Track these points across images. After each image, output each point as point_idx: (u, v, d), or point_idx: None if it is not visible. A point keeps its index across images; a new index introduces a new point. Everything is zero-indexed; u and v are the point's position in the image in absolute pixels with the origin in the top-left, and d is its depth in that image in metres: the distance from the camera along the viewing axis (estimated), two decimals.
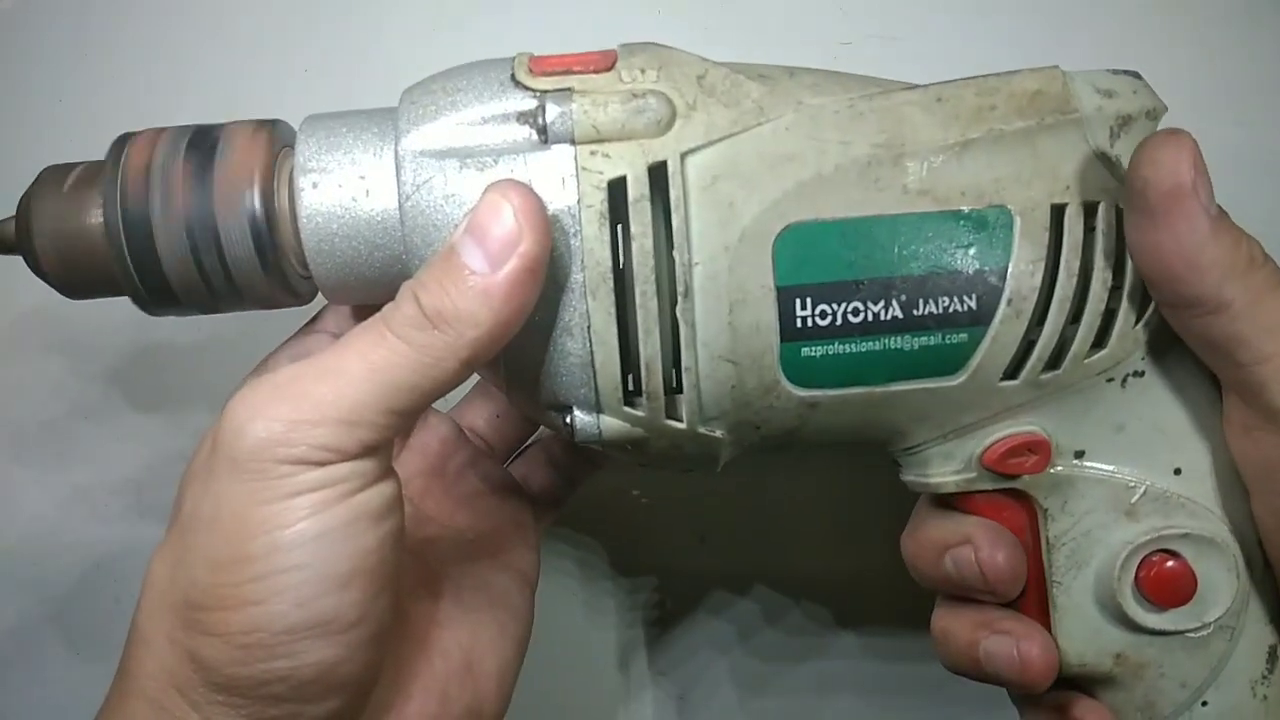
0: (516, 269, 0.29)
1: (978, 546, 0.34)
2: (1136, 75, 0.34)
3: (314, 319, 0.39)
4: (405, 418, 0.30)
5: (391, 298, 0.33)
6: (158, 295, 0.34)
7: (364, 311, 0.37)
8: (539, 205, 0.30)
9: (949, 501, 0.36)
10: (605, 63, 0.33)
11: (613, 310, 0.31)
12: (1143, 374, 0.33)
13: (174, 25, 0.52)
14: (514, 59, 0.33)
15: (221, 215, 0.33)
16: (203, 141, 0.33)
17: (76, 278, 0.34)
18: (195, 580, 0.28)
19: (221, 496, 0.28)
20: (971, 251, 0.31)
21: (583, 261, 0.31)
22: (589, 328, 0.31)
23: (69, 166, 0.34)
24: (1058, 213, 0.32)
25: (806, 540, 0.51)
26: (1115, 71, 0.34)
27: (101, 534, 0.50)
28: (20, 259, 0.34)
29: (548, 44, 0.50)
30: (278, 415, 0.28)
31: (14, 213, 0.34)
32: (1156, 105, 0.33)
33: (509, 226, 0.29)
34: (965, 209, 0.31)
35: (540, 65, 0.33)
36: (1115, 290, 0.32)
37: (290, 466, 0.28)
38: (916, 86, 0.33)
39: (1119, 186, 0.32)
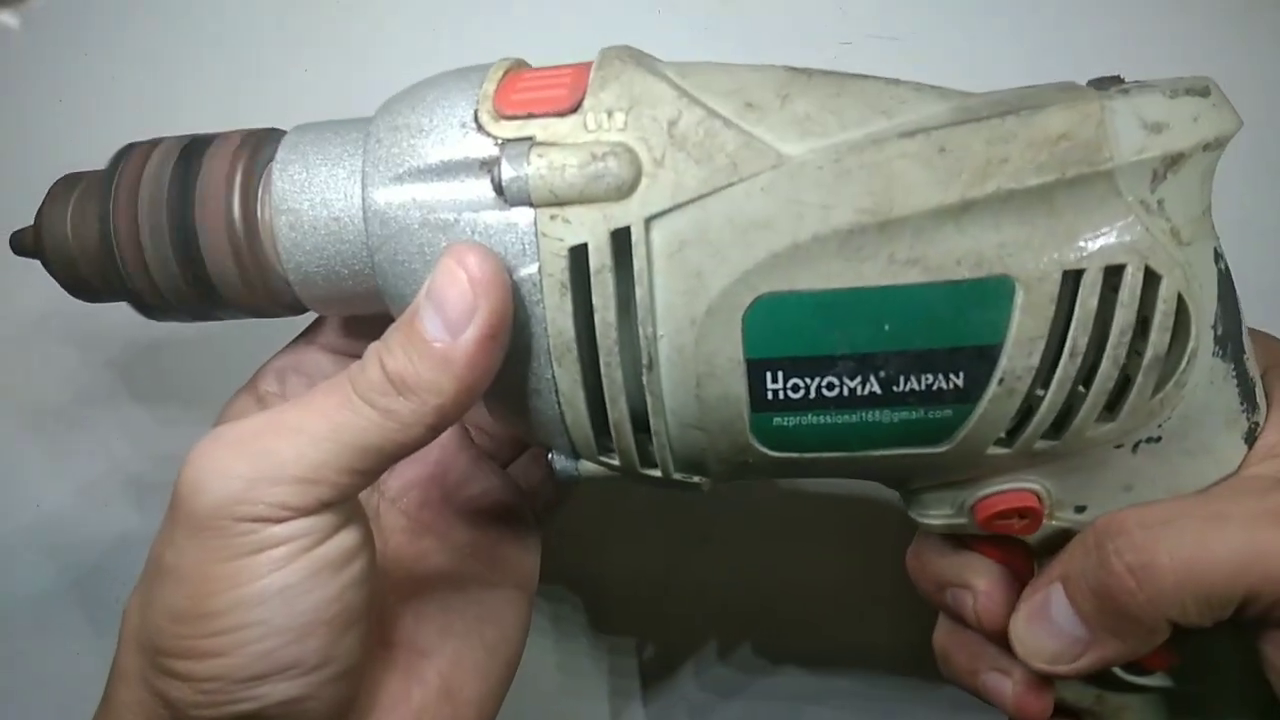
0: (475, 337, 0.29)
1: (976, 594, 0.33)
2: (1205, 91, 0.28)
3: (307, 330, 0.39)
4: (368, 476, 0.30)
5: (375, 310, 0.33)
6: (154, 303, 0.35)
7: (355, 325, 0.38)
8: (496, 269, 0.29)
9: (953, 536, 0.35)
10: (572, 99, 0.30)
11: (579, 377, 0.30)
12: (1159, 439, 0.30)
13: (174, 26, 0.51)
14: (480, 90, 0.31)
15: (204, 231, 0.33)
16: (191, 155, 0.33)
17: (83, 284, 0.35)
18: (160, 628, 0.30)
19: (183, 550, 0.29)
20: (962, 327, 0.28)
21: (546, 330, 0.30)
22: (556, 391, 0.31)
23: (79, 176, 0.35)
24: (1071, 280, 0.28)
25: (809, 540, 0.51)
26: (1174, 93, 0.28)
27: (102, 533, 0.50)
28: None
29: (547, 44, 0.46)
30: (237, 473, 0.29)
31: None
32: (1223, 130, 0.28)
33: (465, 294, 0.29)
34: (960, 278, 0.28)
35: (504, 103, 0.30)
36: (1135, 356, 0.29)
37: (249, 524, 0.29)
38: (914, 136, 0.28)
39: (1154, 242, 0.28)
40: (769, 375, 0.29)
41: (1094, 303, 0.28)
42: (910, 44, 0.43)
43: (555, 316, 0.30)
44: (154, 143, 0.34)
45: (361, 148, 0.32)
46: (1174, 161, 0.28)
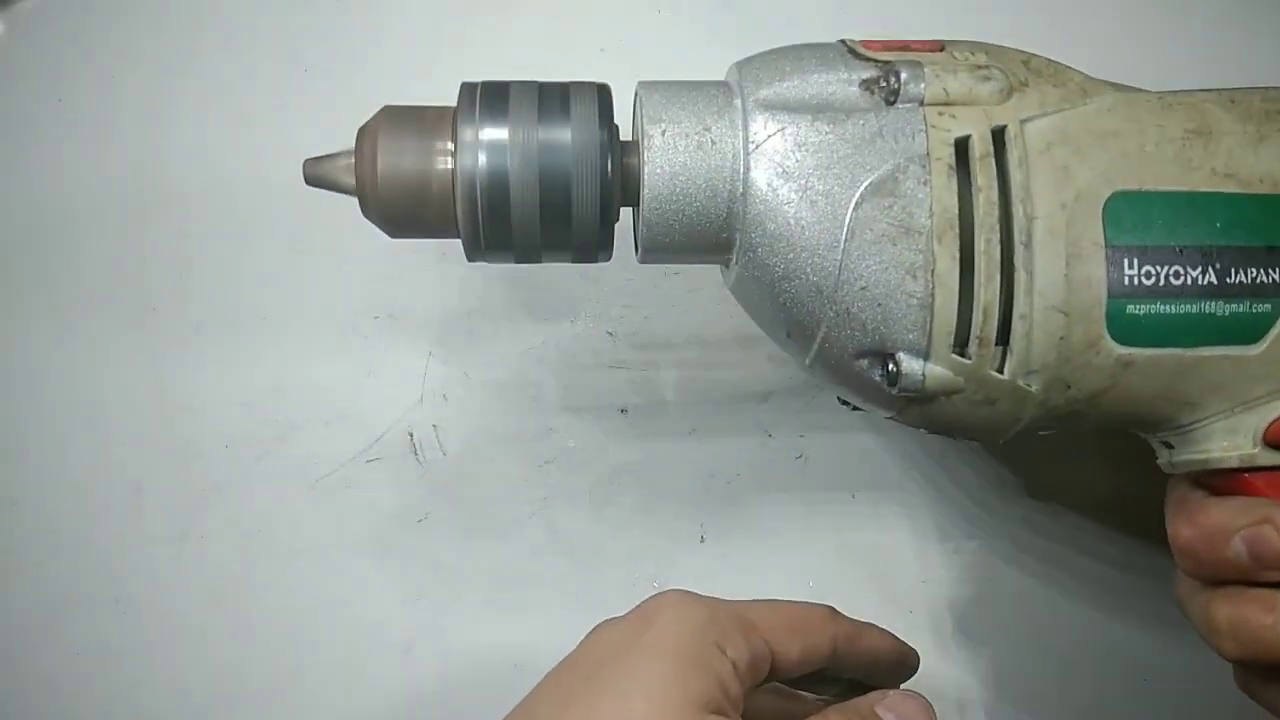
0: None
1: (1279, 525, 0.34)
2: None
3: None
4: None
5: (699, 259, 0.36)
6: (495, 242, 0.35)
7: None
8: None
9: (1223, 486, 0.37)
10: (936, 45, 0.35)
11: (957, 255, 0.33)
12: None
13: (174, 26, 0.53)
14: (844, 41, 0.36)
15: (576, 171, 0.34)
16: (553, 98, 0.35)
17: (412, 219, 0.35)
18: None
19: None
20: (1274, 230, 0.34)
21: (930, 209, 0.33)
22: (933, 271, 0.33)
23: (411, 109, 0.35)
24: None
25: (808, 539, 0.51)
26: None
27: (102, 533, 0.49)
28: None
29: (548, 44, 0.53)
30: None
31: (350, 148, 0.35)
32: None
33: None
34: (1266, 193, 0.35)
35: (874, 45, 0.35)
36: None
37: None
38: (1206, 89, 0.36)
39: None
40: (1126, 261, 0.34)
41: None
42: None
43: (941, 195, 0.33)
44: (502, 84, 0.35)
45: (722, 85, 0.35)
46: None
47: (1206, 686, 0.45)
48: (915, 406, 0.35)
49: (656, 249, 0.36)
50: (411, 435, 0.50)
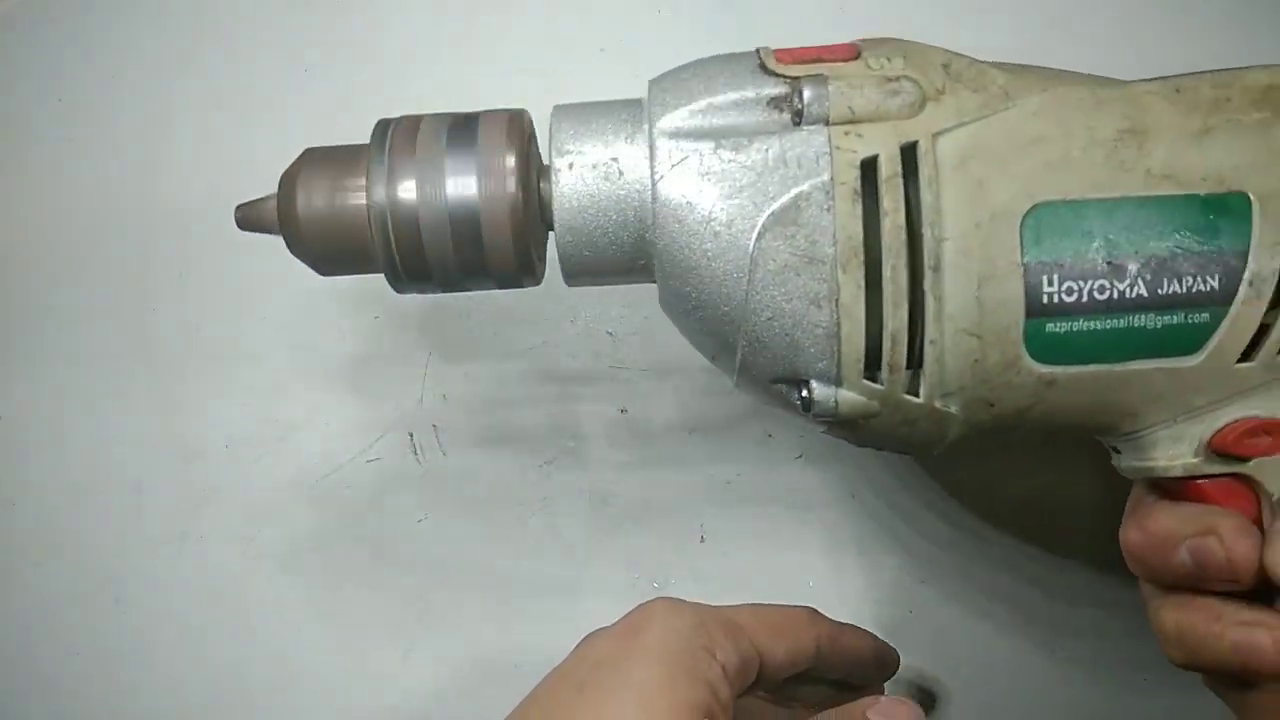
0: None
1: (1223, 537, 0.34)
2: None
3: None
4: None
5: (623, 280, 0.35)
6: (413, 274, 0.35)
7: None
8: None
9: (1174, 491, 0.36)
10: (850, 53, 0.34)
11: (862, 283, 0.32)
12: None
13: (174, 26, 0.54)
14: (758, 51, 0.35)
15: (484, 201, 0.34)
16: (461, 129, 0.35)
17: (335, 256, 0.35)
18: None
19: None
20: (1214, 233, 0.32)
21: (834, 236, 0.32)
22: (837, 300, 0.32)
23: (329, 150, 0.36)
24: None
25: (808, 539, 0.51)
26: None
27: (102, 532, 0.50)
28: None
29: (548, 44, 0.51)
30: None
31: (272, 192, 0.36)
32: None
33: None
34: (1206, 192, 0.32)
35: (786, 56, 0.34)
36: None
37: None
38: (1150, 80, 0.34)
39: None
40: (1045, 278, 0.32)
41: None
42: None
43: (845, 222, 0.32)
44: (415, 118, 0.36)
45: (635, 106, 0.35)
46: None
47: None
48: (837, 427, 0.35)
49: (578, 274, 0.36)
50: (411, 435, 0.51)
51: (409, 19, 0.53)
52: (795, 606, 0.40)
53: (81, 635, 0.49)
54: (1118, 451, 0.37)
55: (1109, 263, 0.32)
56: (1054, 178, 0.32)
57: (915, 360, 0.33)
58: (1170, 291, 0.32)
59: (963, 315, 0.32)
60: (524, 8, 0.53)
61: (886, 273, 0.32)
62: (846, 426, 0.35)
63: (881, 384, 0.33)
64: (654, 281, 0.36)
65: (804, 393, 0.34)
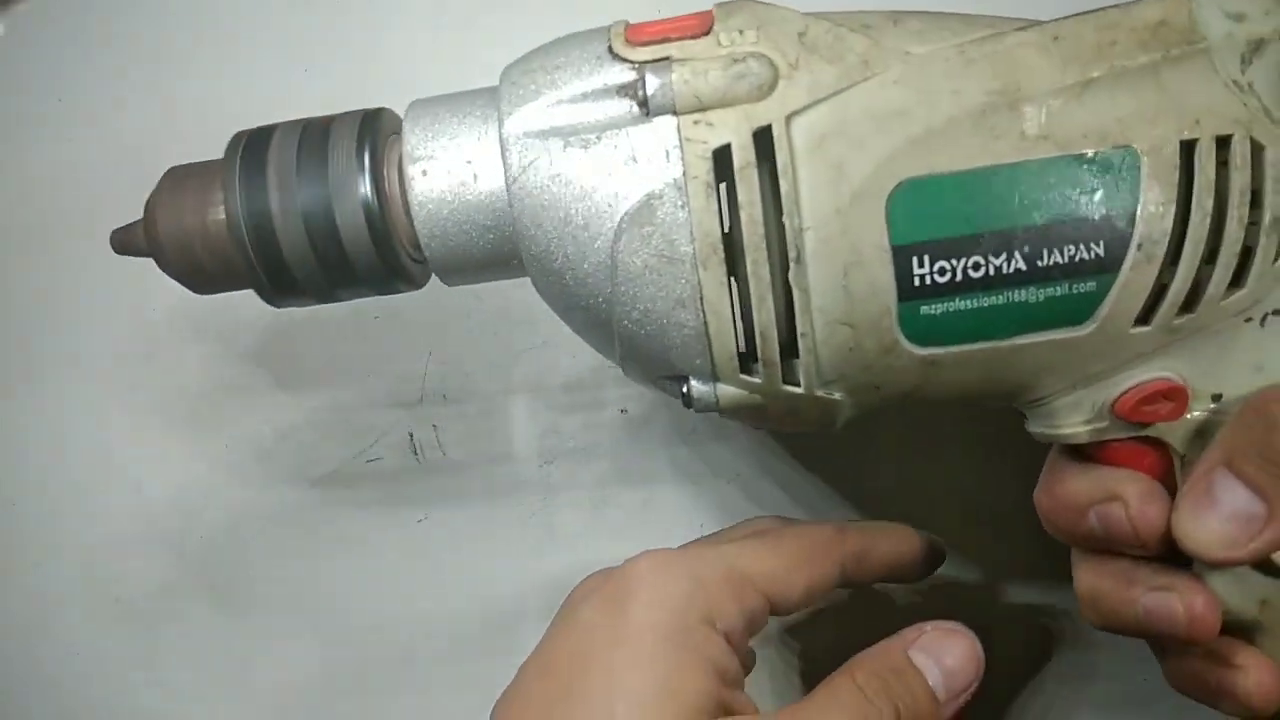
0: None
1: (1128, 503, 0.33)
2: None
3: None
4: None
5: (502, 277, 0.34)
6: (280, 286, 0.35)
7: None
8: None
9: (1085, 453, 0.35)
10: (702, 26, 0.32)
11: (724, 280, 0.31)
12: None
13: (174, 26, 0.52)
14: (609, 29, 0.33)
15: (338, 205, 0.33)
16: (314, 135, 0.34)
17: (202, 274, 0.35)
18: None
19: None
20: (1097, 196, 0.30)
21: (691, 234, 0.31)
22: (701, 299, 0.31)
23: (189, 167, 0.35)
24: (1187, 149, 0.30)
25: None
26: None
27: (101, 532, 0.50)
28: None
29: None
30: None
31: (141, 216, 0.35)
32: None
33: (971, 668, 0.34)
34: (1088, 152, 0.30)
35: (637, 34, 0.32)
36: (1252, 226, 0.31)
37: None
38: (1030, 25, 0.31)
39: (1252, 116, 0.30)
40: (915, 260, 0.30)
41: (1211, 170, 0.30)
42: None
43: (701, 219, 0.31)
44: (268, 128, 0.35)
45: (491, 96, 0.33)
46: (1257, 46, 0.31)
47: None
48: (729, 416, 0.34)
49: (451, 274, 0.35)
50: (411, 435, 0.50)
51: (409, 19, 0.52)
52: (818, 526, 0.37)
53: (81, 635, 0.50)
54: (1024, 416, 0.36)
55: (983, 237, 0.30)
56: (917, 152, 0.30)
57: (790, 352, 0.32)
58: (1052, 263, 0.30)
59: (832, 306, 0.31)
60: (524, 8, 0.51)
61: (749, 268, 0.31)
62: (732, 416, 0.34)
63: (758, 377, 0.32)
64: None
65: (684, 389, 0.33)
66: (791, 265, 0.31)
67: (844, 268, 0.30)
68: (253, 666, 0.50)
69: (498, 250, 0.33)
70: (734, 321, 0.31)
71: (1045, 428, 0.35)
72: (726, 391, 0.33)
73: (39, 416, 0.52)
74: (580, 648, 0.33)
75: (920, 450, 0.49)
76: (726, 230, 0.31)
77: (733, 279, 0.31)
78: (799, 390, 0.32)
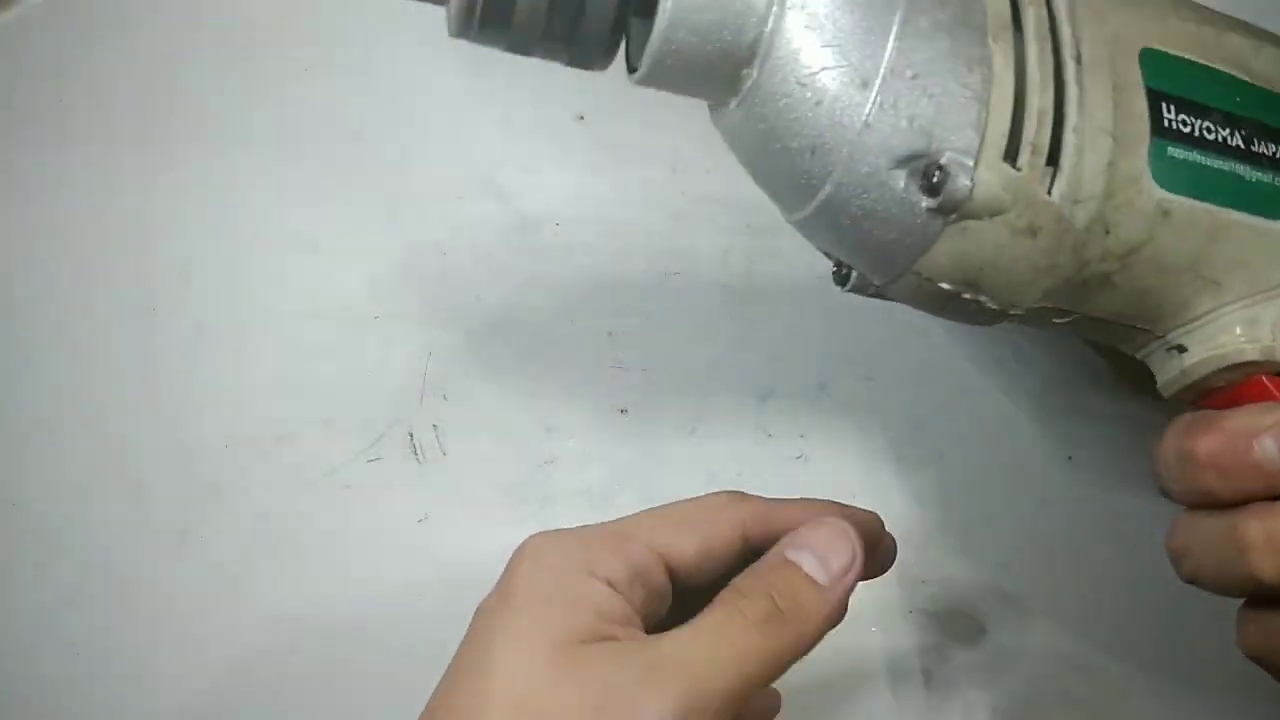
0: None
1: None
2: None
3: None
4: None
5: (702, 95, 0.33)
6: (493, 15, 0.31)
7: None
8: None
9: (1232, 398, 0.35)
10: None
11: (1011, 56, 0.32)
12: None
13: (174, 26, 0.55)
14: None
15: None
16: None
17: None
18: None
19: None
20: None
21: (984, 9, 0.32)
22: (990, 65, 0.31)
23: None
24: None
25: None
26: None
27: (100, 532, 0.48)
28: None
29: None
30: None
31: None
32: None
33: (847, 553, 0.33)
34: (1268, 89, 0.36)
35: None
36: None
37: None
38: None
39: None
40: (1164, 105, 0.33)
41: None
42: None
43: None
44: None
45: None
46: None
47: None
48: (950, 234, 0.32)
49: (659, 74, 0.32)
50: (411, 435, 0.50)
51: (409, 18, 0.52)
52: (714, 494, 0.36)
53: (81, 635, 0.47)
54: (1182, 350, 0.36)
55: (1211, 111, 0.34)
56: (1156, 33, 0.34)
57: (1053, 157, 0.32)
58: (1261, 150, 0.34)
59: (1101, 113, 0.32)
60: None
61: (1031, 57, 0.32)
62: (965, 230, 0.32)
63: (1021, 169, 0.31)
64: (735, 90, 0.33)
65: (934, 177, 0.31)
66: (1070, 64, 0.32)
67: (1114, 84, 0.33)
68: (253, 666, 0.46)
69: (721, 51, 0.31)
70: (1013, 100, 0.31)
71: (1211, 349, 0.35)
72: (984, 179, 0.31)
73: (39, 416, 0.50)
74: (476, 632, 0.33)
75: (921, 456, 0.50)
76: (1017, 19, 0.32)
77: (1018, 60, 0.32)
78: (1051, 199, 0.32)
